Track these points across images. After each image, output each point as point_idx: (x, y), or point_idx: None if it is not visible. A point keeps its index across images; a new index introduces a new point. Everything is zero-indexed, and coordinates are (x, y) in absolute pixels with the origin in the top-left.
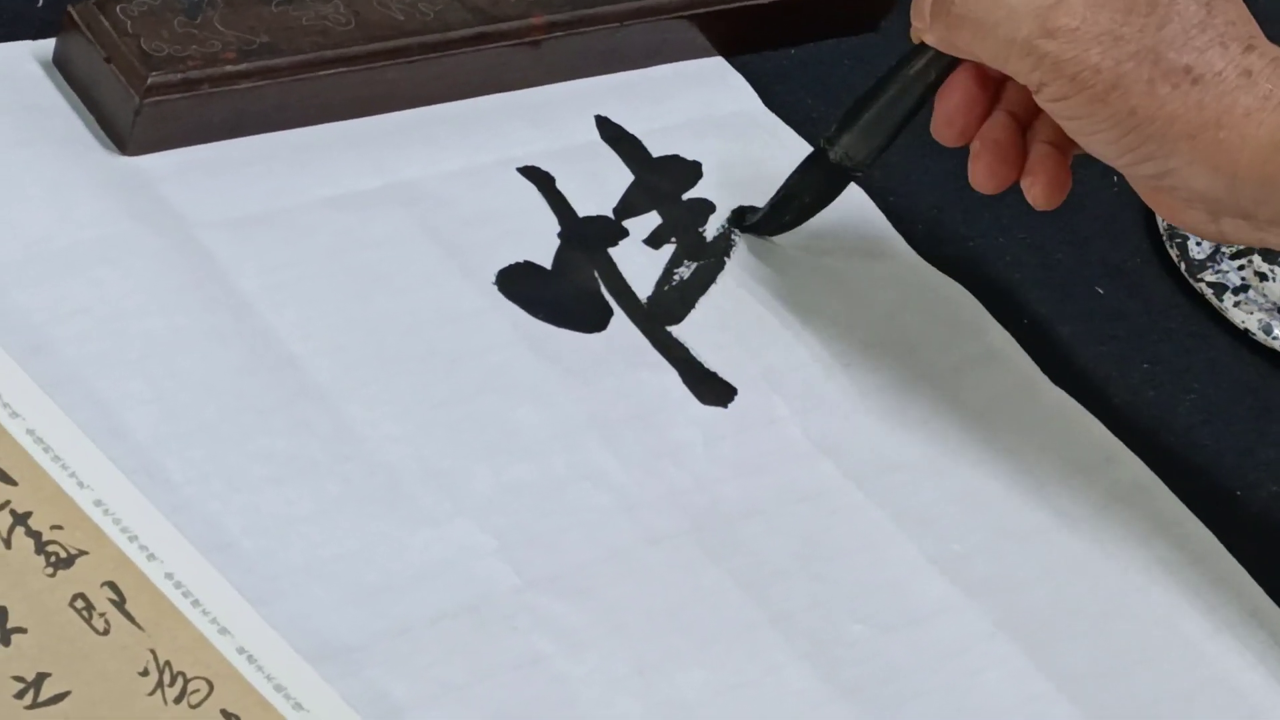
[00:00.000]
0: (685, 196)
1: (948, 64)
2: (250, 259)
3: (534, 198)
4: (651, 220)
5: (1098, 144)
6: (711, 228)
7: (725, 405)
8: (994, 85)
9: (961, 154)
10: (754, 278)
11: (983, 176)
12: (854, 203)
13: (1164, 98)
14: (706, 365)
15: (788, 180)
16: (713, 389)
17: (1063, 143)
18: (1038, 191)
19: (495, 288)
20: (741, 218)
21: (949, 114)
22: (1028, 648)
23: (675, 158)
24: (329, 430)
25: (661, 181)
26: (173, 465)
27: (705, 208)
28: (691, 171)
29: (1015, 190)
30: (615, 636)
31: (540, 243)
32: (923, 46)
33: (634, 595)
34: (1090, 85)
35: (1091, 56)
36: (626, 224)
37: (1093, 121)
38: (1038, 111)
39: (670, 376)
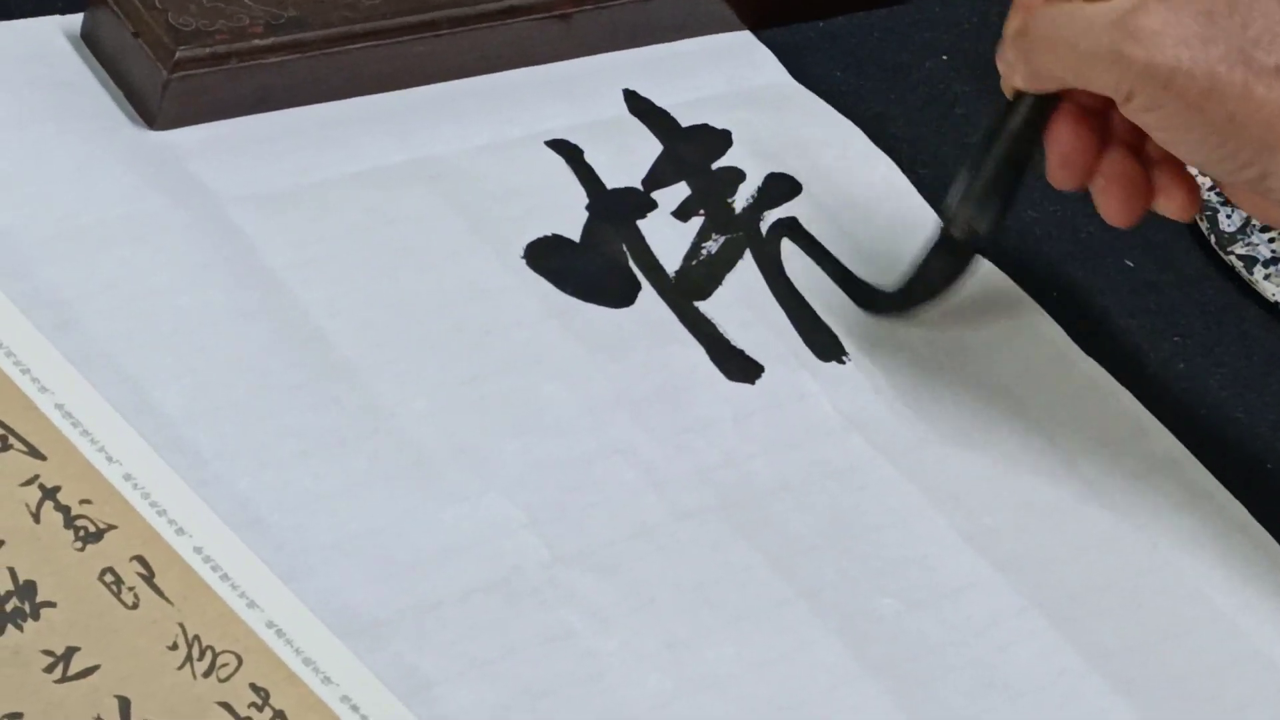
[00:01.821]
0: (714, 166)
1: (1048, 108)
2: (278, 234)
3: (562, 172)
4: (680, 191)
5: (1195, 153)
6: (740, 198)
7: (752, 382)
8: (1100, 119)
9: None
10: (781, 253)
11: (1118, 213)
12: (883, 176)
13: (1261, 99)
14: (734, 342)
15: (917, 266)
16: (740, 366)
17: (1173, 157)
18: (1177, 207)
19: (523, 262)
20: (865, 295)
21: (1064, 158)
22: (1058, 622)
23: (704, 127)
24: (357, 406)
25: (690, 151)
26: (202, 441)
27: (735, 176)
28: (721, 140)
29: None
30: (644, 612)
31: (568, 216)
32: (1018, 98)
33: (663, 571)
34: (1184, 92)
35: (1182, 60)
36: (655, 195)
37: (1189, 131)
38: (1146, 134)
39: (698, 352)
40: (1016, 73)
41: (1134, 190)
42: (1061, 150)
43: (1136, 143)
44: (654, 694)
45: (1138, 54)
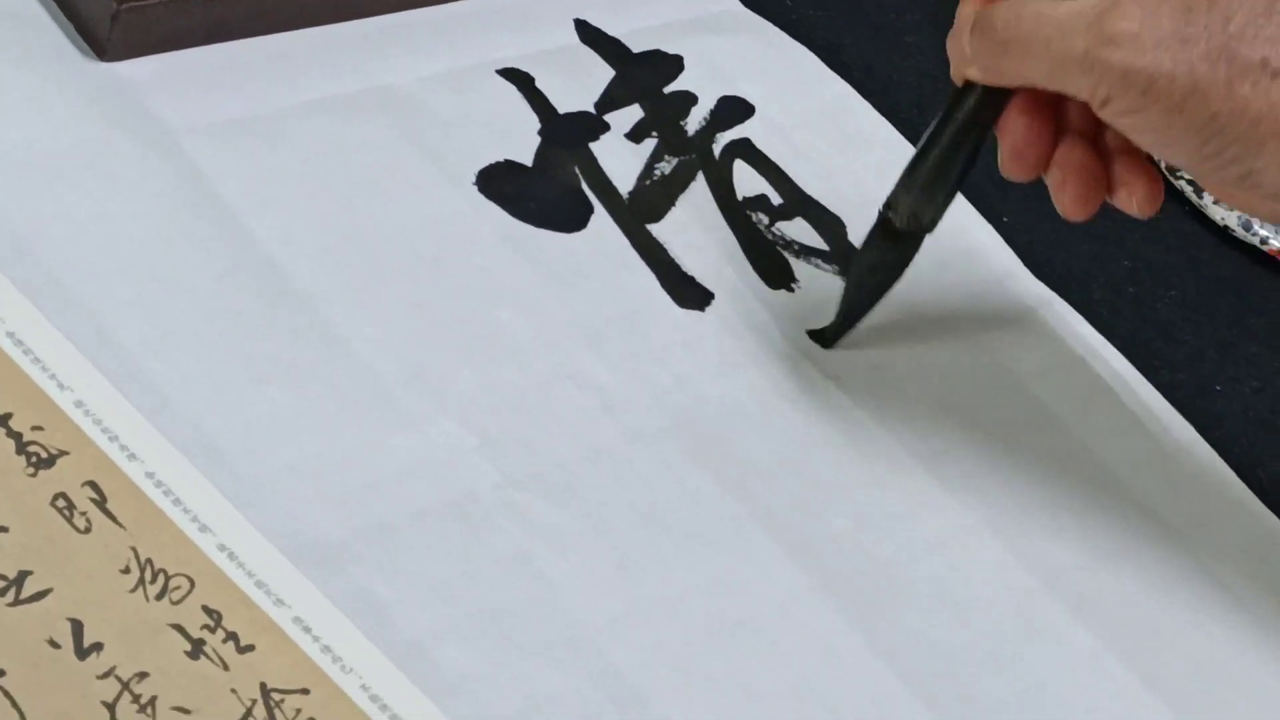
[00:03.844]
0: (667, 90)
1: (1000, 96)
2: (232, 164)
3: (514, 100)
4: (633, 114)
5: (1175, 154)
6: (693, 121)
7: (703, 309)
8: (1054, 108)
9: (940, 53)
10: (735, 174)
11: (1074, 206)
12: (836, 96)
13: (1245, 98)
14: (685, 268)
15: (858, 257)
16: (691, 293)
17: (1137, 148)
18: (1140, 200)
19: (476, 189)
20: (819, 335)
21: (1016, 150)
22: (1009, 541)
23: (656, 52)
24: (311, 333)
25: (643, 75)
26: (155, 368)
27: (687, 100)
28: (673, 65)
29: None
30: (597, 533)
31: (521, 143)
32: (968, 85)
33: (616, 493)
34: (1165, 95)
35: (1163, 63)
36: (608, 118)
37: (1170, 133)
38: (1103, 124)
39: (650, 279)
40: (973, 66)
41: (1091, 183)
42: (1014, 142)
43: (1093, 132)
44: (607, 614)
45: (1114, 58)
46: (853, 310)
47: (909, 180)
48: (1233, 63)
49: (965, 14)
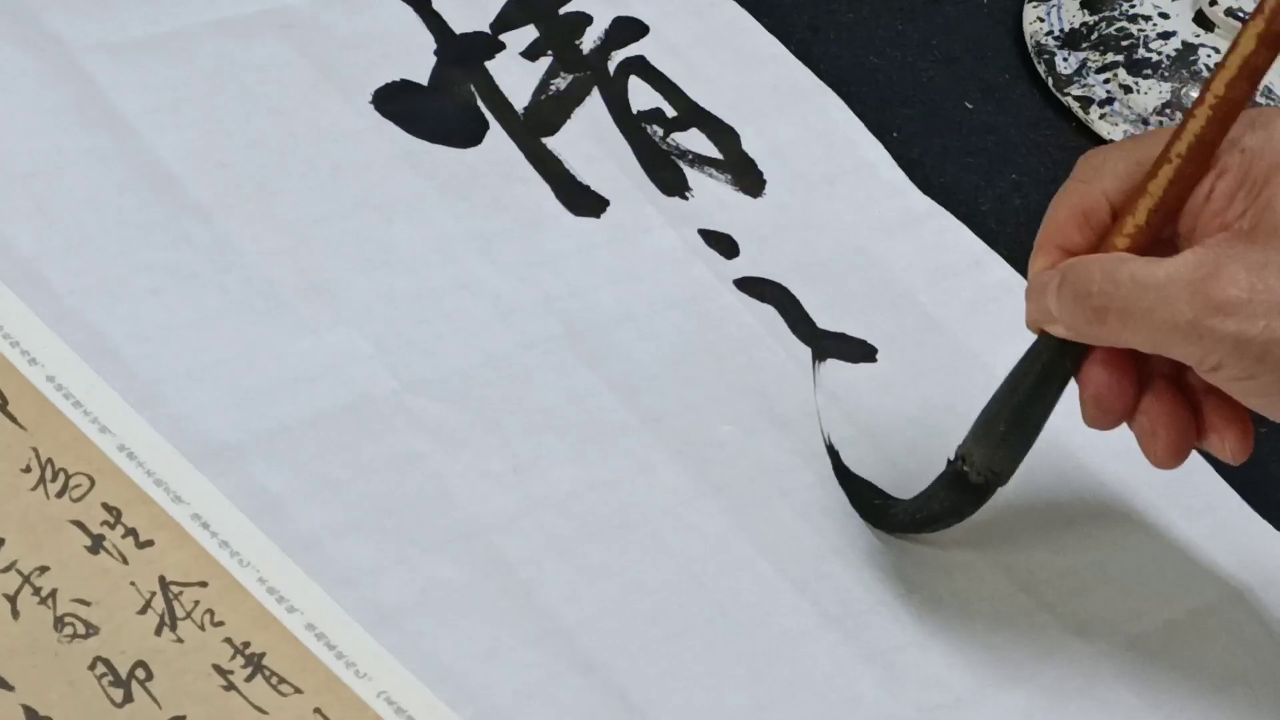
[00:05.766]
0: (562, 11)
1: (1081, 346)
2: (131, 82)
3: (411, 21)
4: (528, 34)
5: None
6: (588, 40)
7: (598, 216)
8: (1138, 356)
9: None
10: (630, 89)
11: (1168, 455)
12: (730, 19)
13: None
14: (580, 178)
15: (924, 502)
16: (586, 201)
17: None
18: (1232, 445)
19: (372, 108)
20: (872, 509)
21: (1099, 400)
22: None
23: None
24: (210, 244)
25: None
26: (55, 277)
27: (582, 20)
28: None
29: (891, 9)
30: (490, 435)
31: (417, 62)
32: (1045, 335)
33: (509, 397)
34: None
35: (1277, 331)
36: (503, 38)
37: None
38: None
39: (545, 189)
40: (1059, 324)
41: (1182, 431)
42: (1097, 392)
43: (1178, 375)
44: (498, 512)
45: (1226, 328)
46: (906, 532)
47: (984, 433)
48: None
49: (1043, 272)
